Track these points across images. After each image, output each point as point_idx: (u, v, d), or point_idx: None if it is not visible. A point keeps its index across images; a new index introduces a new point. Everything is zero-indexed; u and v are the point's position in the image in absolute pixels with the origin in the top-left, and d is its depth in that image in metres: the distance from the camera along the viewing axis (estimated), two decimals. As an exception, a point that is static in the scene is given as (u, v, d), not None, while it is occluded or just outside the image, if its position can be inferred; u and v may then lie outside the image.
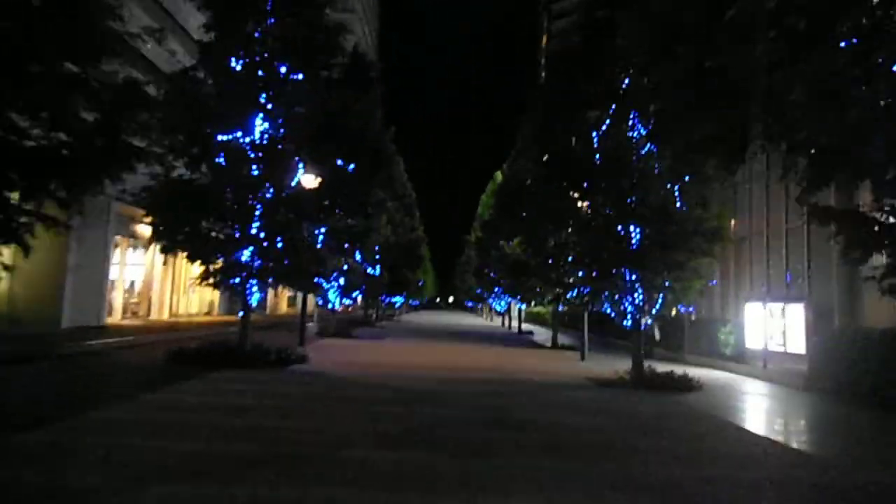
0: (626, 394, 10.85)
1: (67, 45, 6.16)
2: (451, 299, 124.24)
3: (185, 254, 12.39)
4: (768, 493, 5.48)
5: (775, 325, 14.11)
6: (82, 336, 14.95)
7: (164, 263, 25.43)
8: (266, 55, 12.20)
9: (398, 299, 47.80)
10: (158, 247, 12.39)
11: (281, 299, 45.10)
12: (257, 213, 12.08)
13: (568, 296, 13.97)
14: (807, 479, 5.81)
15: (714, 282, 15.66)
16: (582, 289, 13.18)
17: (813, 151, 5.07)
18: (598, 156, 12.51)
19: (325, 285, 16.18)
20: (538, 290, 20.49)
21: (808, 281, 13.96)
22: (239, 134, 11.96)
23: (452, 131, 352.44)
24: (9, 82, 5.94)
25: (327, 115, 12.36)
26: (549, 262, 14.54)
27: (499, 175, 38.80)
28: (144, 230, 17.41)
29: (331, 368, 12.58)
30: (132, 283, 24.55)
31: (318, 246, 13.46)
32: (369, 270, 25.51)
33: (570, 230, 13.62)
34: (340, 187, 13.27)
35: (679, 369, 12.38)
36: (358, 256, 19.96)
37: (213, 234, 12.34)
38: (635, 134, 12.13)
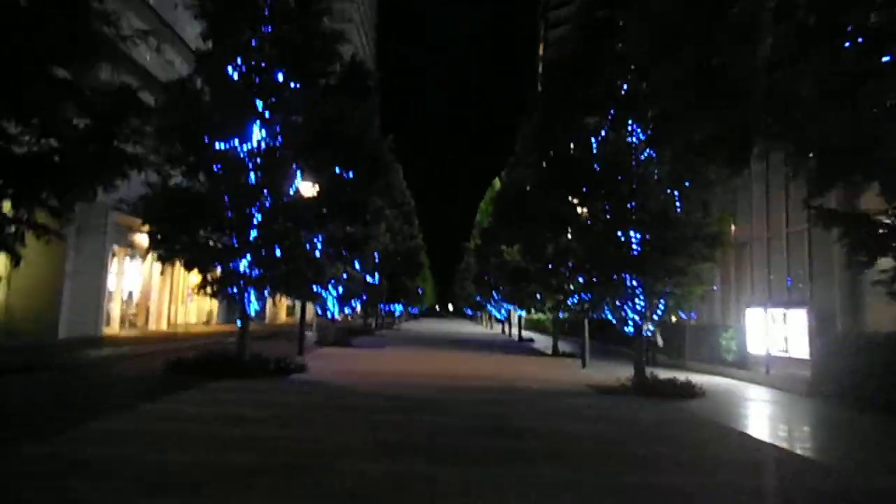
0: (628, 401, 10.76)
1: (56, 47, 6.09)
2: (450, 307, 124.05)
3: (182, 263, 12.33)
4: (772, 499, 5.41)
5: (777, 331, 14.05)
6: (80, 346, 14.85)
7: (162, 273, 25.33)
8: (263, 63, 12.18)
9: (397, 307, 47.71)
10: (156, 256, 12.32)
11: (280, 309, 44.99)
12: (255, 221, 12.03)
13: (569, 302, 13.88)
14: (811, 485, 5.75)
15: (715, 287, 15.61)
16: (583, 295, 13.11)
17: (822, 151, 4.98)
18: (596, 162, 12.48)
19: (324, 294, 16.10)
20: (538, 296, 20.41)
21: (811, 285, 13.91)
22: (236, 142, 11.93)
23: (452, 131, 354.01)
24: None
25: (324, 122, 12.33)
26: (549, 267, 14.46)
27: (497, 182, 38.81)
28: (142, 240, 17.33)
29: (330, 377, 12.49)
30: (130, 294, 24.43)
31: (317, 254, 13.39)
32: (368, 278, 25.44)
33: (569, 236, 13.57)
34: (338, 195, 13.23)
35: (681, 376, 12.29)
36: (357, 265, 19.88)
37: (211, 242, 12.29)
38: (634, 139, 12.11)
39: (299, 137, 12.34)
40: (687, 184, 11.44)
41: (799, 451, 7.42)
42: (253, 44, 12.16)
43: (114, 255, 21.57)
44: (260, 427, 7.39)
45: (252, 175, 12.03)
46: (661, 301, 12.01)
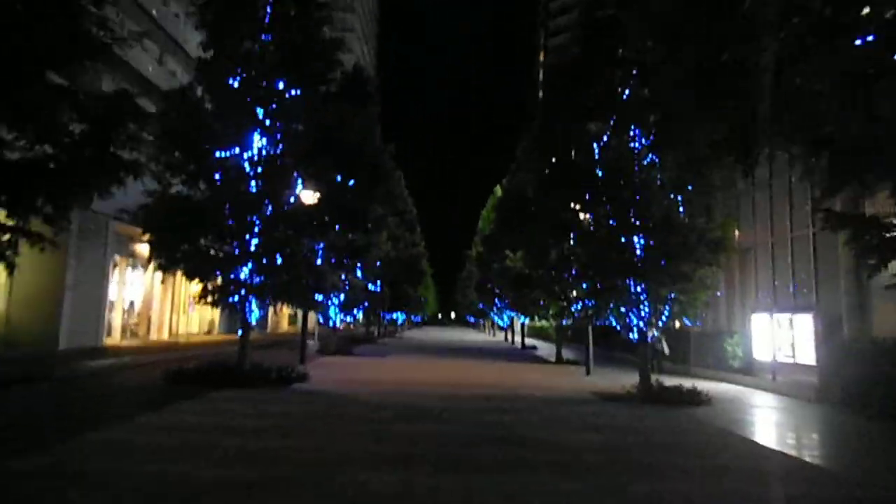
0: (633, 408, 10.65)
1: (50, 48, 6.03)
2: (452, 315, 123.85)
3: (183, 272, 12.26)
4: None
5: (783, 336, 13.92)
6: (80, 357, 14.78)
7: (163, 283, 25.31)
8: (264, 71, 12.16)
9: (400, 316, 47.58)
10: (156, 265, 12.26)
11: (282, 317, 44.93)
12: (256, 229, 11.97)
13: (572, 308, 13.77)
14: (819, 493, 5.65)
15: (720, 293, 15.49)
16: (586, 302, 13.01)
17: (834, 151, 4.86)
18: (599, 167, 12.42)
19: (325, 301, 16.03)
20: (541, 303, 20.32)
21: (816, 290, 13.80)
22: (237, 150, 11.90)
23: (451, 132, 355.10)
24: None
25: (324, 129, 12.30)
26: (553, 273, 14.38)
27: (499, 190, 38.79)
28: (143, 249, 17.29)
29: (332, 386, 12.39)
30: (131, 303, 24.39)
31: (318, 262, 13.33)
32: (370, 286, 25.35)
33: (571, 242, 13.49)
34: (339, 203, 13.18)
35: (687, 383, 12.17)
36: (358, 272, 19.81)
37: (212, 251, 12.23)
38: (637, 145, 12.05)
39: (300, 145, 12.31)
40: (690, 188, 11.37)
41: (807, 459, 7.30)
42: (255, 51, 12.13)
43: (115, 265, 21.55)
44: (259, 437, 7.29)
45: (253, 183, 11.99)
46: (666, 307, 11.90)
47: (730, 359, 15.71)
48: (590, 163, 12.60)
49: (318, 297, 13.97)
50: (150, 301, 25.24)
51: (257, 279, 12.06)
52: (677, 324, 15.49)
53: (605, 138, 12.56)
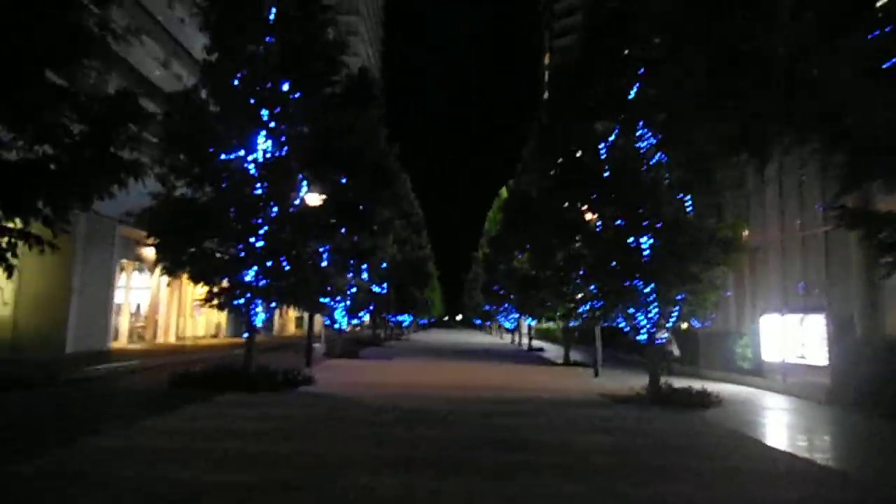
0: (643, 410, 10.51)
1: (49, 46, 5.99)
2: (459, 317, 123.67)
3: (188, 275, 12.21)
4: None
5: (794, 337, 13.74)
6: (87, 361, 14.77)
7: (169, 286, 25.34)
8: (267, 73, 12.13)
9: (406, 318, 47.50)
10: (162, 268, 12.23)
11: (288, 320, 44.96)
12: (261, 231, 11.93)
13: (580, 310, 13.62)
14: (831, 496, 5.55)
15: (729, 293, 15.29)
16: (594, 303, 12.86)
17: (856, 144, 4.69)
18: (606, 167, 12.30)
19: (331, 304, 15.97)
20: (548, 304, 20.18)
21: (828, 289, 13.60)
22: (242, 153, 11.86)
23: (453, 131, 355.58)
24: None
25: (328, 131, 12.26)
26: (560, 274, 14.25)
27: (504, 192, 38.67)
28: (150, 253, 17.31)
29: (338, 389, 12.32)
30: (138, 307, 24.45)
31: (323, 264, 13.27)
32: (376, 289, 25.29)
33: (578, 243, 13.35)
34: (344, 204, 13.12)
35: (696, 384, 12.03)
36: (364, 275, 19.75)
37: (217, 254, 12.19)
38: (644, 144, 11.92)
39: (304, 147, 12.26)
40: (698, 187, 11.21)
41: (818, 461, 7.16)
42: (259, 52, 12.10)
43: (121, 268, 21.60)
44: (263, 441, 7.23)
45: (258, 185, 11.95)
46: (675, 308, 11.75)
47: (739, 360, 15.52)
48: (596, 163, 12.47)
49: (324, 300, 13.92)
50: (157, 304, 25.29)
51: (263, 282, 12.00)
52: (684, 325, 15.33)
53: (611, 138, 12.43)
